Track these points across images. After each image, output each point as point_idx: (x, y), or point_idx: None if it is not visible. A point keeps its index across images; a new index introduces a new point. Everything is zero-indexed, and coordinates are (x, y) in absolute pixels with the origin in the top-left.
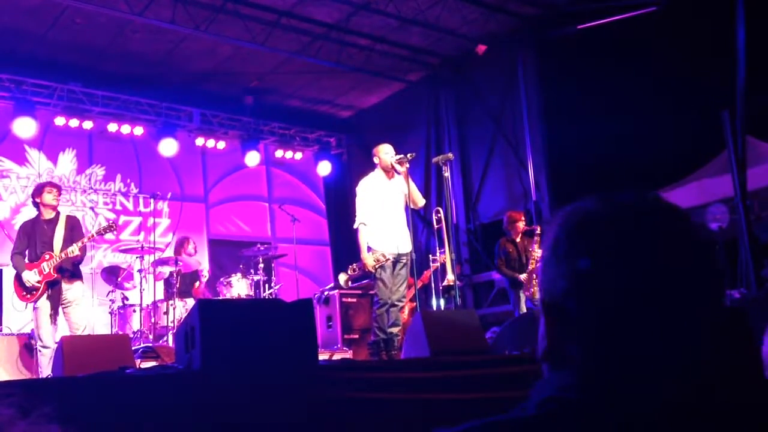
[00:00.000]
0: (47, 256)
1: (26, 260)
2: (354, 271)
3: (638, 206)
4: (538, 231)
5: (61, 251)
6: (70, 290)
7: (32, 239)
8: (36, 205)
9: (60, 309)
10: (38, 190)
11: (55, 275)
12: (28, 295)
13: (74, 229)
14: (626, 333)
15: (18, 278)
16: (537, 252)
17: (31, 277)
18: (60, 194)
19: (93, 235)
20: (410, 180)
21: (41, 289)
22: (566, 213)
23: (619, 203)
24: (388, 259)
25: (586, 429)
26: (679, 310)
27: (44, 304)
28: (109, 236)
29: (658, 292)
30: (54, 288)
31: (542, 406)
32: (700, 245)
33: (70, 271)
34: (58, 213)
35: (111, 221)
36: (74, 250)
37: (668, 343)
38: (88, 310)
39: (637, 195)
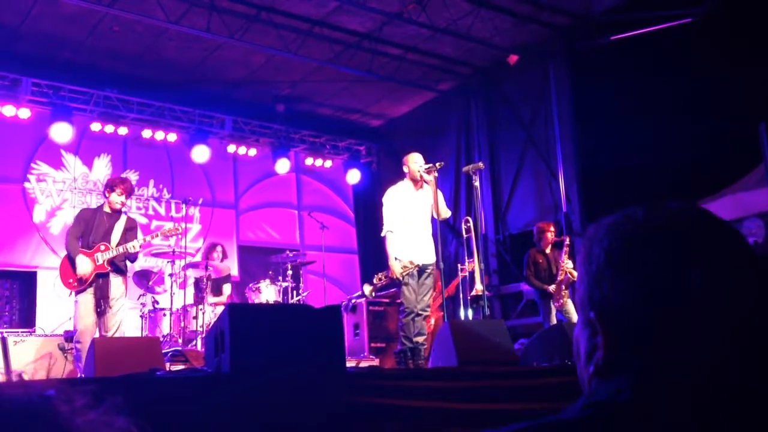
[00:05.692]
0: (102, 247)
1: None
2: (380, 280)
3: (688, 216)
4: (567, 242)
5: (117, 245)
6: (116, 285)
7: (89, 227)
8: (105, 196)
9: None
10: (110, 186)
11: (108, 268)
12: (75, 283)
13: (131, 230)
14: (686, 338)
15: (67, 262)
16: (567, 263)
17: (85, 264)
18: (129, 198)
19: (157, 235)
20: (438, 191)
21: (90, 280)
22: (612, 225)
23: (668, 213)
24: (416, 267)
25: (642, 428)
26: (734, 319)
27: (87, 298)
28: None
29: (717, 300)
30: (102, 280)
31: (592, 408)
32: (753, 254)
33: (118, 266)
34: (121, 212)
35: (175, 225)
36: (136, 245)
37: (719, 348)
38: (123, 311)
39: (683, 205)
